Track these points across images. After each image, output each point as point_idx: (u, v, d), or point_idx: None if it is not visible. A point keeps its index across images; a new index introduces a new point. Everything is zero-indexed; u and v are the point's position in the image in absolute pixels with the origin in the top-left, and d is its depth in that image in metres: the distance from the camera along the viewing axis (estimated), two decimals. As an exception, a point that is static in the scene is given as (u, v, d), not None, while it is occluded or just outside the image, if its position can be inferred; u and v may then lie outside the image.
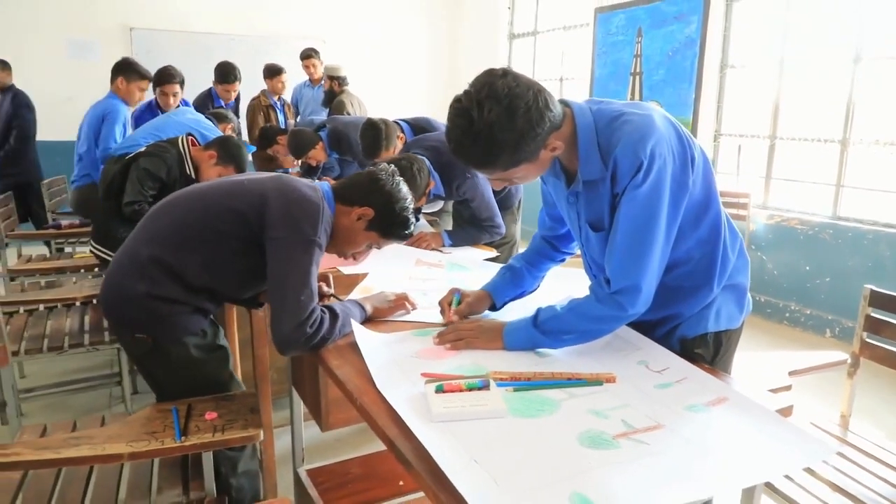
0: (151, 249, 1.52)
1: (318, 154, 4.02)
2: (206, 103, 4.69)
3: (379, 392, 1.18)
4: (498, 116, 1.14)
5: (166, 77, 3.83)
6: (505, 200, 2.91)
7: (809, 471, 1.60)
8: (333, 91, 4.89)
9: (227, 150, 2.69)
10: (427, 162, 2.53)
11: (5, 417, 2.83)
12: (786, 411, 1.13)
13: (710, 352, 1.37)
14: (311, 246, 1.43)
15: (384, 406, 1.14)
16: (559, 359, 1.34)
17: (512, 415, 1.10)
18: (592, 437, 1.03)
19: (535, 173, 1.29)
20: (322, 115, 5.01)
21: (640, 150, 1.18)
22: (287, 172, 4.19)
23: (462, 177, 2.56)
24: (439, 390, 1.15)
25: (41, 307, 2.84)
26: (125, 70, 3.63)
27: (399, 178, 1.65)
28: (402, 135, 3.26)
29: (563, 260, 1.67)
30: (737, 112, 4.70)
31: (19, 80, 5.36)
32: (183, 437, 1.36)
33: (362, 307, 1.56)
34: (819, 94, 4.25)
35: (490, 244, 2.68)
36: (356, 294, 1.81)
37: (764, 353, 3.75)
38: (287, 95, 5.43)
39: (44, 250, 4.04)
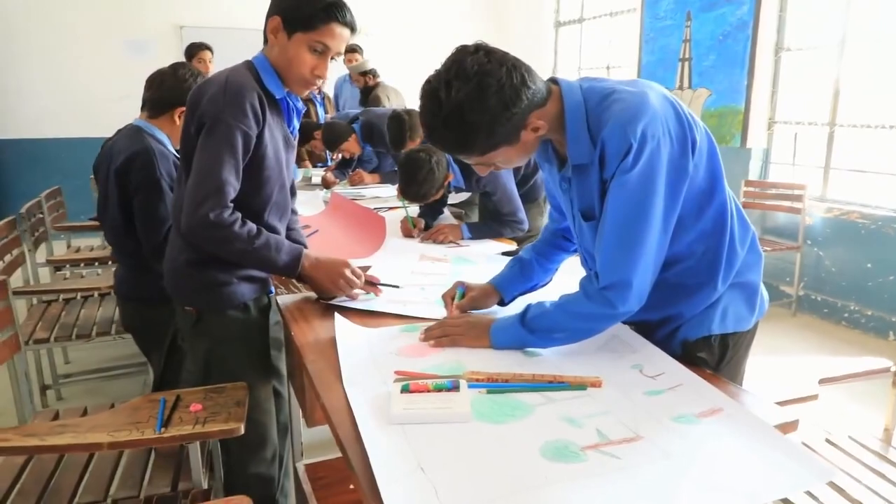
0: (179, 217, 1.49)
1: (351, 146, 4.01)
2: None
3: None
4: (467, 96, 1.06)
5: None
6: (529, 193, 2.80)
7: (838, 489, 1.45)
8: (368, 86, 4.88)
9: None
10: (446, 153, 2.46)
11: (45, 400, 2.97)
12: (789, 426, 1.01)
13: (714, 356, 1.24)
14: (218, 127, 1.35)
15: (348, 406, 1.08)
16: (548, 359, 1.25)
17: (476, 419, 1.02)
18: (558, 447, 0.94)
19: (519, 157, 1.20)
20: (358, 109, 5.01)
21: (630, 131, 1.07)
22: (326, 166, 4.21)
23: (481, 168, 2.47)
24: (405, 390, 1.08)
25: (78, 296, 2.93)
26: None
27: None
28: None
29: (577, 251, 1.57)
30: (793, 98, 4.40)
31: (79, 80, 5.62)
32: (163, 429, 1.35)
33: (296, 260, 1.48)
34: (883, 77, 3.92)
35: (513, 238, 2.58)
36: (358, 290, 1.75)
37: (801, 358, 3.50)
38: (329, 89, 5.45)
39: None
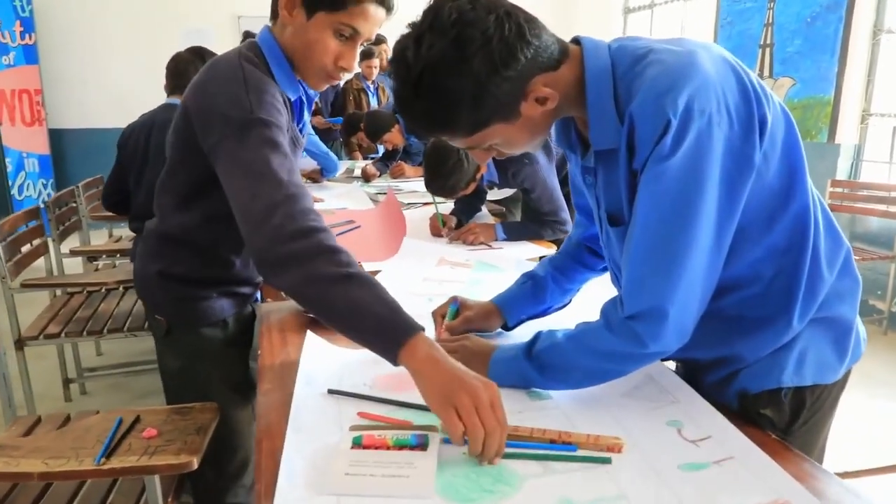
0: (157, 224, 1.31)
1: (394, 137, 3.79)
2: None
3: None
4: (442, 53, 0.79)
5: None
6: (577, 190, 2.49)
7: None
8: None
9: None
10: (479, 143, 2.18)
11: (69, 394, 2.90)
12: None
13: (783, 416, 0.92)
14: (249, 127, 1.04)
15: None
16: (561, 404, 0.97)
17: (440, 496, 0.75)
18: (542, 553, 0.66)
19: (524, 138, 0.91)
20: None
21: (668, 102, 0.78)
22: (379, 159, 4.03)
23: (518, 162, 2.18)
24: (356, 443, 0.83)
25: (103, 289, 2.84)
26: None
27: None
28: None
29: (605, 269, 1.26)
30: (892, 87, 3.85)
31: (142, 71, 5.67)
32: (104, 459, 1.16)
33: (407, 329, 0.92)
34: None
35: (554, 241, 2.28)
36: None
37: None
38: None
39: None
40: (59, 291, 2.83)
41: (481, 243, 2.17)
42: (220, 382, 1.36)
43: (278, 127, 1.06)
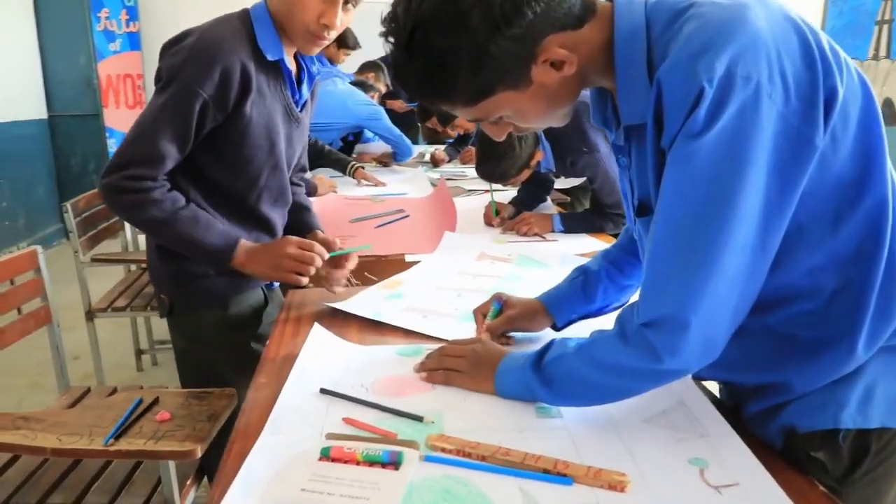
0: None
1: (464, 122, 3.70)
2: None
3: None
4: (434, 9, 0.69)
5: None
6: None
7: None
8: None
9: None
10: (536, 127, 2.04)
11: (140, 364, 3.05)
12: None
13: (839, 463, 0.75)
14: (169, 84, 1.13)
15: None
16: (569, 424, 0.85)
17: (400, 526, 0.66)
18: None
19: (539, 110, 0.78)
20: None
21: (703, 66, 0.64)
22: (449, 144, 3.96)
23: (577, 150, 2.03)
24: (324, 455, 0.75)
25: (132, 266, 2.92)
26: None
27: None
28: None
29: None
30: None
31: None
32: (112, 440, 1.15)
33: (230, 245, 1.21)
34: None
35: (616, 235, 2.11)
36: (382, 288, 1.45)
37: None
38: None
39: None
40: (133, 267, 2.96)
41: (535, 234, 2.04)
42: (224, 366, 1.33)
43: (194, 93, 1.11)
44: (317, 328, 1.11)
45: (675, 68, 0.66)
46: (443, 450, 0.78)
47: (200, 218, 1.19)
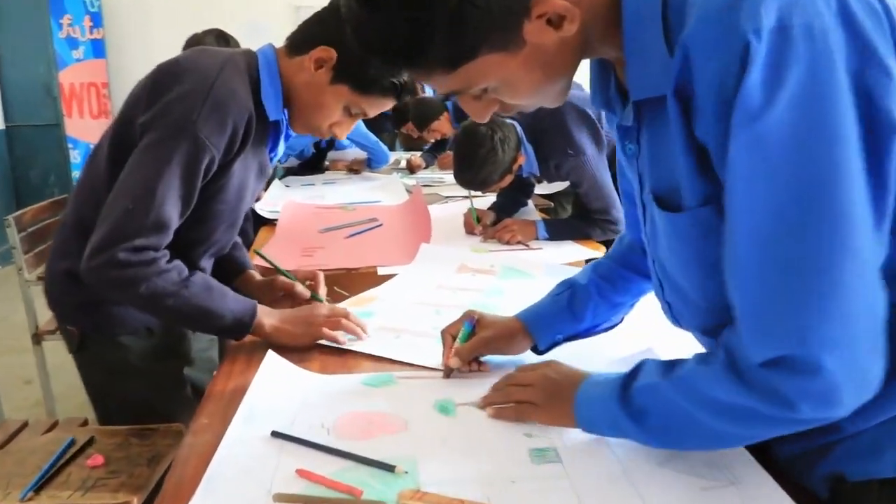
0: (71, 211, 1.16)
1: (442, 126, 3.57)
2: None
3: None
4: None
5: None
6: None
7: None
8: None
9: None
10: (518, 129, 1.91)
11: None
12: None
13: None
14: (179, 136, 0.97)
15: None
16: (572, 472, 0.71)
17: None
18: None
19: (532, 81, 0.63)
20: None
21: (743, 15, 0.50)
22: (426, 149, 3.83)
23: (562, 152, 1.90)
24: (270, 527, 0.60)
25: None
26: None
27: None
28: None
29: None
30: None
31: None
32: (31, 494, 0.98)
33: (251, 311, 1.05)
34: None
35: (604, 242, 1.98)
36: (351, 306, 1.30)
37: None
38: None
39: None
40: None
41: (519, 242, 1.91)
42: (155, 402, 1.18)
43: (208, 150, 0.99)
44: (271, 356, 0.95)
45: (705, 24, 0.52)
46: (423, 509, 0.64)
47: (213, 285, 1.04)
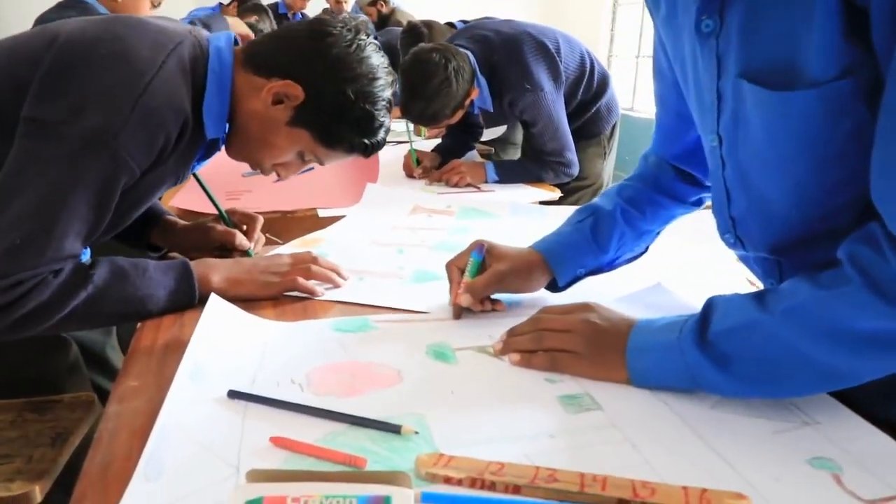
0: None
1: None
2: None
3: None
4: None
5: None
6: (588, 126, 2.04)
7: None
8: (382, 15, 4.12)
9: None
10: (472, 58, 1.73)
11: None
12: None
13: None
14: (94, 150, 0.72)
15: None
16: (618, 421, 0.58)
17: None
18: None
19: None
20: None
21: None
22: None
23: (518, 87, 1.75)
24: (251, 515, 0.43)
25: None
26: None
27: (368, 41, 0.90)
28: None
29: (700, 202, 0.87)
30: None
31: None
32: None
33: (187, 275, 0.82)
34: None
35: (557, 185, 1.87)
36: (288, 249, 1.12)
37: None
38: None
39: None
40: None
41: (468, 185, 1.76)
42: (32, 372, 0.96)
43: (129, 170, 0.76)
44: (214, 300, 0.75)
45: None
46: (447, 479, 0.48)
47: (123, 266, 0.78)
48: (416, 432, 0.55)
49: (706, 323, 0.58)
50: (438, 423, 0.57)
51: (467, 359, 0.70)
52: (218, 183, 1.66)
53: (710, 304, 0.60)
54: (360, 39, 0.88)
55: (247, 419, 0.58)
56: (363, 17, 4.17)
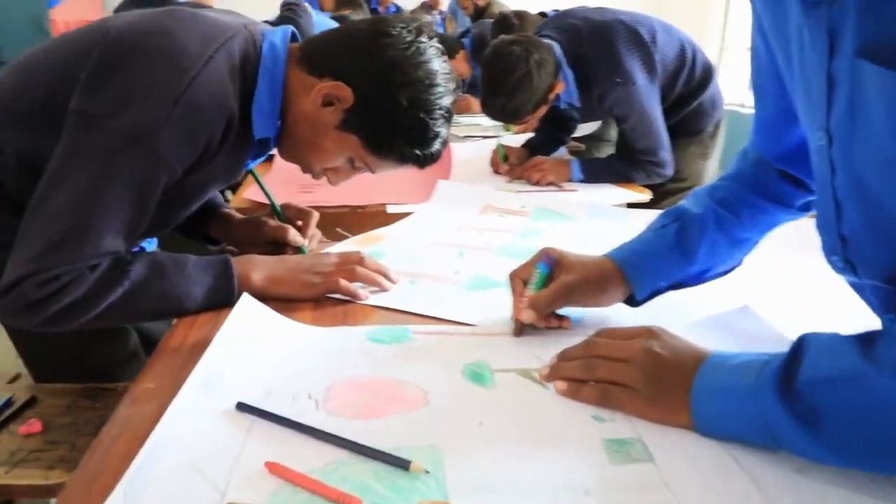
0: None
1: (458, 66, 3.25)
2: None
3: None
4: None
5: None
6: (688, 123, 1.85)
7: None
8: (479, 7, 4.03)
9: None
10: (557, 50, 1.63)
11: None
12: None
13: None
14: (133, 148, 0.70)
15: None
16: (665, 477, 0.48)
17: None
18: None
19: None
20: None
21: None
22: None
23: (608, 80, 1.62)
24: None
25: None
26: None
27: (430, 44, 0.83)
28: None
29: (808, 208, 0.74)
30: None
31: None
32: (-59, 469, 0.77)
33: (227, 272, 0.78)
34: None
35: (648, 186, 1.72)
36: (350, 245, 1.08)
37: None
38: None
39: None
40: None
41: (550, 183, 1.65)
42: (92, 358, 0.97)
43: (169, 168, 0.74)
44: (245, 300, 0.72)
45: None
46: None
47: (162, 262, 0.76)
48: (427, 471, 0.48)
49: (795, 367, 0.47)
50: (455, 459, 0.50)
51: (506, 383, 0.62)
52: (292, 176, 1.68)
53: (801, 343, 0.48)
54: (419, 42, 0.81)
55: (250, 435, 0.53)
56: (428, 17, 4.11)
